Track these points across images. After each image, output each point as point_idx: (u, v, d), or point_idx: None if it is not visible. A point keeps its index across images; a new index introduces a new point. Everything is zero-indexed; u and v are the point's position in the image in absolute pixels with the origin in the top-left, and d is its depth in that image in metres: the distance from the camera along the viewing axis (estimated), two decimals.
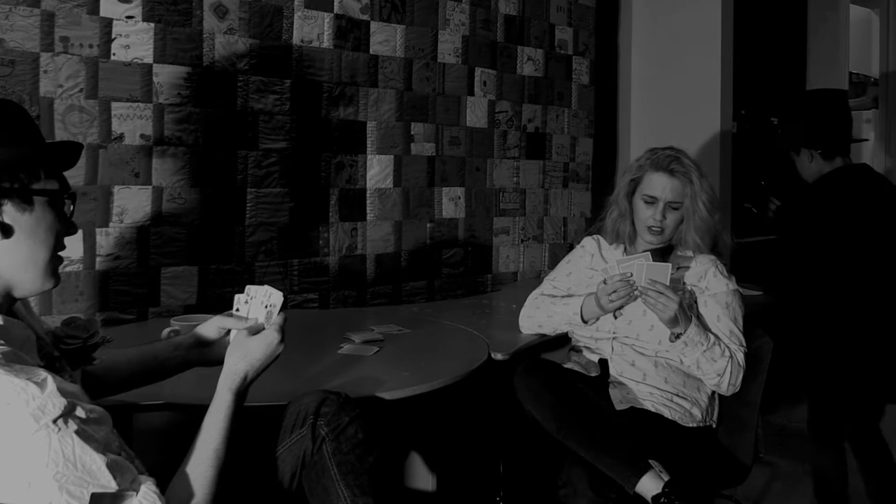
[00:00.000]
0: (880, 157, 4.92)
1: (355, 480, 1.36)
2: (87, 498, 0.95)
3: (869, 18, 5.30)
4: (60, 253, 1.13)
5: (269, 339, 1.26)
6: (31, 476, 0.93)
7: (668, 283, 1.83)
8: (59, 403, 0.95)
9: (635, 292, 1.87)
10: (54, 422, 0.94)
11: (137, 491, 1.01)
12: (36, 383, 0.95)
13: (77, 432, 0.96)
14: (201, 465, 1.15)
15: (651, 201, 1.99)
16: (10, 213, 1.05)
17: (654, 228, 1.99)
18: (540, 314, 2.15)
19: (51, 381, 0.96)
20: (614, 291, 1.88)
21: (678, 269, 2.00)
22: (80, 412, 0.97)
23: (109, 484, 0.97)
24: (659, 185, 1.98)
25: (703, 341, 1.86)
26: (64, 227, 1.12)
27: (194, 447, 1.17)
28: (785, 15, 4.55)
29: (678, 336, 1.87)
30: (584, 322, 2.04)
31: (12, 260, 1.07)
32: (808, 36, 4.67)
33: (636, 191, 2.04)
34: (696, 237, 1.98)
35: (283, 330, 1.29)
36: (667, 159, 1.99)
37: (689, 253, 2.03)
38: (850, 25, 4.71)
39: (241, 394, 1.24)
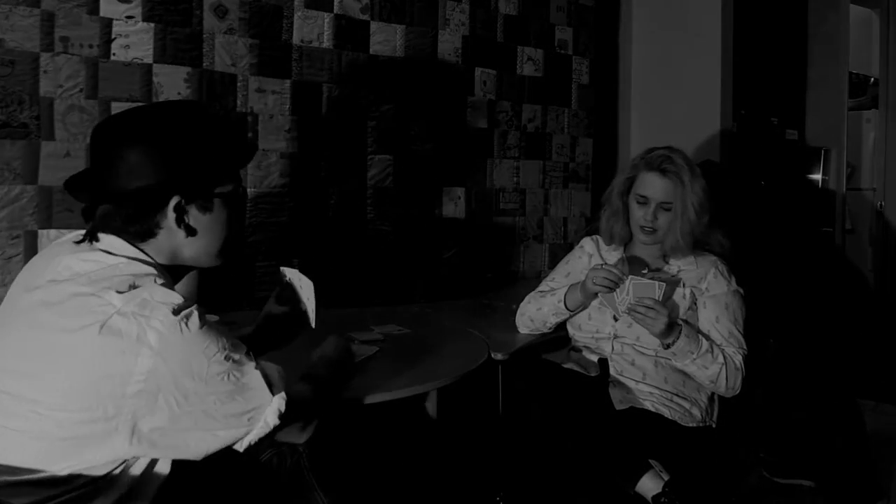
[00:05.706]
0: (880, 156, 4.92)
1: (334, 487, 1.37)
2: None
3: (869, 18, 5.30)
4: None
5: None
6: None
7: (658, 299, 1.83)
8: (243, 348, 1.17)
9: (622, 311, 1.89)
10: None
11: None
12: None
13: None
14: (306, 389, 1.34)
15: (643, 201, 1.99)
16: (195, 216, 1.18)
17: (646, 228, 1.99)
18: (530, 308, 2.17)
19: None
20: (605, 277, 1.88)
21: (671, 277, 2.00)
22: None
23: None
24: (651, 185, 1.98)
25: (692, 350, 1.86)
26: (238, 220, 1.26)
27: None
28: (785, 15, 4.54)
29: (668, 346, 1.87)
30: (568, 310, 2.05)
31: (192, 251, 1.22)
32: (808, 36, 4.67)
33: (630, 190, 2.04)
34: (679, 237, 1.97)
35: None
36: (659, 159, 1.99)
37: (681, 260, 2.03)
38: (850, 25, 4.71)
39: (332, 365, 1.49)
